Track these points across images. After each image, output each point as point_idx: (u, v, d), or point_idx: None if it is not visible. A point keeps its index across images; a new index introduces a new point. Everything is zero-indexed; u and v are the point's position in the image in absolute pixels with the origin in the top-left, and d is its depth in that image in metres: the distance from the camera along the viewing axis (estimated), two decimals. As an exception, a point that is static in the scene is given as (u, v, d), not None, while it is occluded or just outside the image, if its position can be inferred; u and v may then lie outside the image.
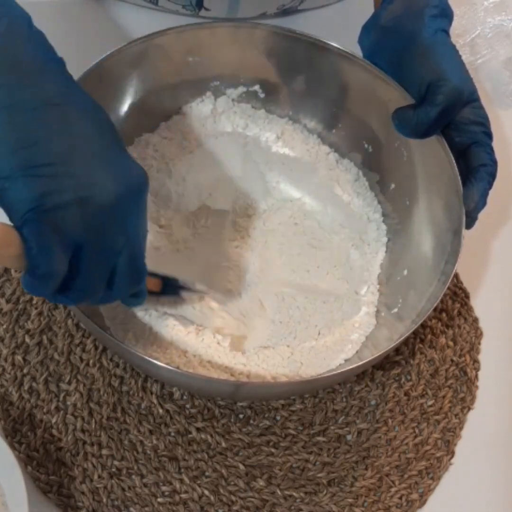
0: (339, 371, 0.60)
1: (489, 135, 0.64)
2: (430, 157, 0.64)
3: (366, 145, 0.70)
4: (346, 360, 0.62)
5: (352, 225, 0.69)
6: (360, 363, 0.56)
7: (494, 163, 0.63)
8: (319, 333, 0.63)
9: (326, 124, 0.71)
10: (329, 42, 0.67)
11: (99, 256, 0.47)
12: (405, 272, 0.65)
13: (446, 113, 0.62)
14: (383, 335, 0.63)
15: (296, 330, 0.63)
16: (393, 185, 0.68)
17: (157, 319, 0.61)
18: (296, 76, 0.70)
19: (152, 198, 0.67)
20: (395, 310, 0.64)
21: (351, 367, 0.57)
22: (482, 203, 0.62)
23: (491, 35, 0.81)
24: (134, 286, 0.51)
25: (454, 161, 0.62)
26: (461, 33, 0.80)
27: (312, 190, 0.70)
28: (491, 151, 0.63)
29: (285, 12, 0.80)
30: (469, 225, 0.62)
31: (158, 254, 0.65)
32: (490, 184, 0.63)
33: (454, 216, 0.62)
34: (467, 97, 0.62)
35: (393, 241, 0.68)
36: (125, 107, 0.67)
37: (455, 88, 0.61)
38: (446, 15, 0.64)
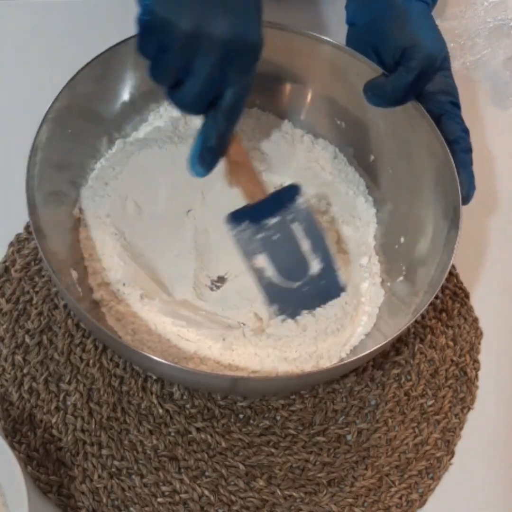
0: (340, 364, 0.60)
1: (457, 105, 0.65)
2: (407, 124, 0.65)
3: (338, 122, 0.70)
4: (366, 335, 0.63)
5: (339, 202, 0.69)
6: (357, 358, 0.56)
7: (466, 133, 0.64)
8: (334, 310, 0.64)
9: (295, 107, 0.71)
10: (287, 24, 0.66)
11: (213, 68, 0.52)
12: (402, 239, 0.66)
13: (421, 79, 0.62)
14: (395, 306, 0.64)
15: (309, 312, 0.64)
16: (372, 157, 0.69)
17: (157, 317, 0.61)
18: (260, 63, 0.69)
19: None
20: (401, 278, 0.65)
21: (351, 359, 0.57)
22: (472, 189, 0.63)
23: (491, 35, 0.81)
24: (225, 125, 0.56)
25: (433, 123, 0.62)
26: (461, 33, 0.80)
27: (294, 175, 0.70)
28: (461, 121, 0.64)
29: None
30: (465, 203, 0.62)
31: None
32: (471, 162, 0.63)
33: (444, 180, 0.62)
34: (439, 63, 0.63)
35: (381, 211, 0.68)
36: (117, 107, 0.68)
37: (429, 53, 0.61)
38: None
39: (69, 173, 0.65)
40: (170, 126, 0.69)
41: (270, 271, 0.62)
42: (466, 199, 0.62)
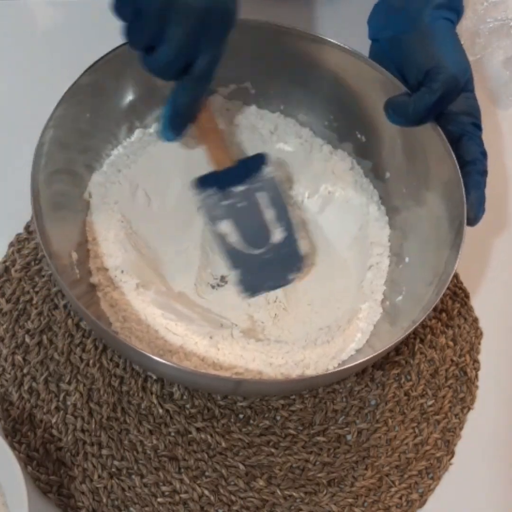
0: (342, 368, 0.60)
1: (478, 127, 0.64)
2: (426, 146, 0.64)
3: (359, 135, 0.70)
4: (357, 351, 0.63)
5: (353, 211, 0.69)
6: (359, 361, 0.56)
7: (484, 155, 0.64)
8: (328, 325, 0.64)
9: (318, 116, 0.71)
10: (317, 34, 0.66)
11: (185, 36, 0.53)
12: (407, 259, 0.66)
13: (443, 100, 0.61)
14: (390, 324, 0.63)
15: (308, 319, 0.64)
16: (388, 174, 0.69)
17: (148, 308, 0.61)
18: (286, 70, 0.69)
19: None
20: (400, 297, 0.64)
21: (352, 364, 0.57)
22: (482, 211, 0.62)
23: (491, 35, 0.80)
24: (196, 89, 0.57)
25: (451, 148, 0.62)
26: (461, 32, 0.80)
27: (309, 183, 0.70)
28: (480, 143, 0.64)
29: None
30: (473, 225, 0.62)
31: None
32: (484, 184, 0.63)
33: (453, 203, 0.62)
34: (463, 85, 0.62)
35: (391, 227, 0.68)
36: (141, 96, 0.68)
37: (452, 76, 0.61)
38: (453, 8, 0.65)
39: (85, 157, 0.66)
40: None
41: (234, 237, 0.64)
42: (474, 221, 0.61)
